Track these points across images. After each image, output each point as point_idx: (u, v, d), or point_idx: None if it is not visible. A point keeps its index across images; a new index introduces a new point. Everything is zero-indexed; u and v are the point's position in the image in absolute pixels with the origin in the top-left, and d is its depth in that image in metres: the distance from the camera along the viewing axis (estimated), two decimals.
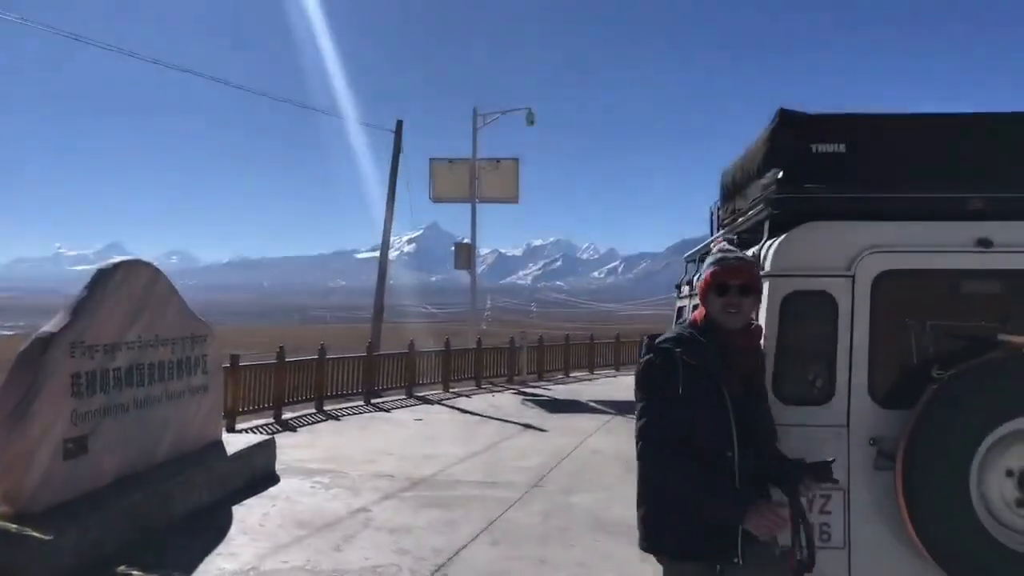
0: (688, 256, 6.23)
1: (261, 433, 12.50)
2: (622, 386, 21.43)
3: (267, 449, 9.64)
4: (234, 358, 13.15)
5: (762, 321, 3.32)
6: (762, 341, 3.03)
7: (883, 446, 3.30)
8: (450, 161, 24.79)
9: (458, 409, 16.38)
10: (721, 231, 4.60)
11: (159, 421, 7.96)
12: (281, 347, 14.99)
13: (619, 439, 12.31)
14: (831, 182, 3.33)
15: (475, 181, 24.03)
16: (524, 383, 21.75)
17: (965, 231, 3.29)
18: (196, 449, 8.67)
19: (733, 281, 2.81)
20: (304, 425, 13.77)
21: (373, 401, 16.81)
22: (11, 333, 56.32)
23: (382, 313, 23.61)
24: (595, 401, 17.77)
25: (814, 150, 3.34)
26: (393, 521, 7.52)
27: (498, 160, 24.68)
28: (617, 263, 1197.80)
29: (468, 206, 24.81)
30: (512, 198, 24.96)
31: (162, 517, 7.11)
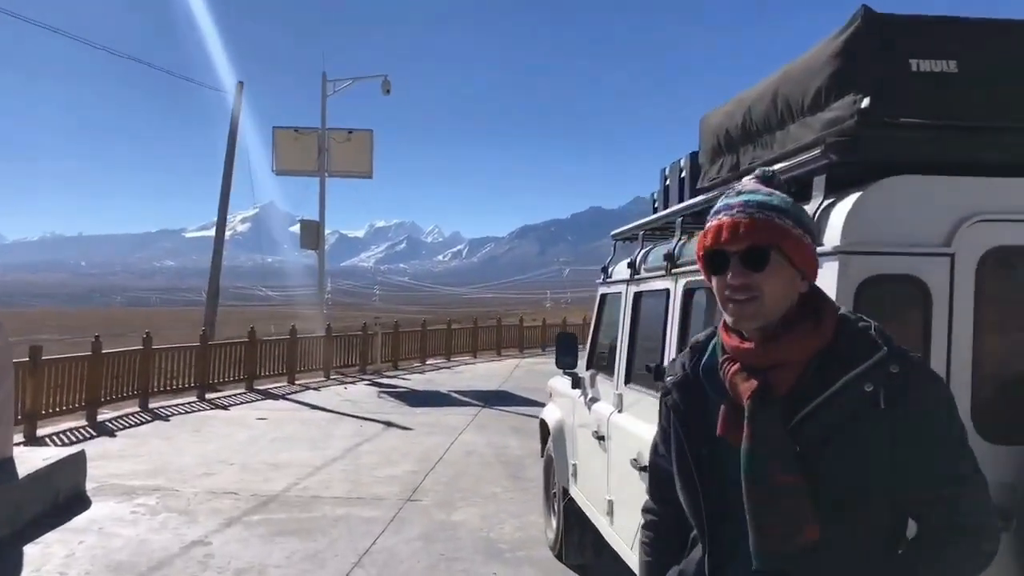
0: (617, 234, 5.15)
1: (69, 441, 10.53)
2: (483, 374, 20.56)
3: (75, 464, 7.79)
4: (35, 350, 10.95)
5: None
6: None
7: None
8: (296, 130, 22.69)
9: (307, 404, 14.74)
10: (699, 198, 3.48)
11: None
12: (97, 336, 12.80)
13: (493, 436, 11.26)
14: (934, 115, 2.28)
15: (324, 153, 22.14)
16: (378, 373, 20.28)
17: None
18: None
19: (733, 245, 1.55)
20: (125, 428, 11.77)
21: (208, 397, 14.88)
22: None
23: (217, 296, 21.36)
24: (458, 392, 16.64)
25: (915, 68, 2.27)
26: (241, 558, 6.03)
27: (350, 131, 22.85)
28: (462, 246, 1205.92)
29: (309, 184, 22.92)
30: (365, 172, 23.20)
31: None
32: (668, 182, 4.21)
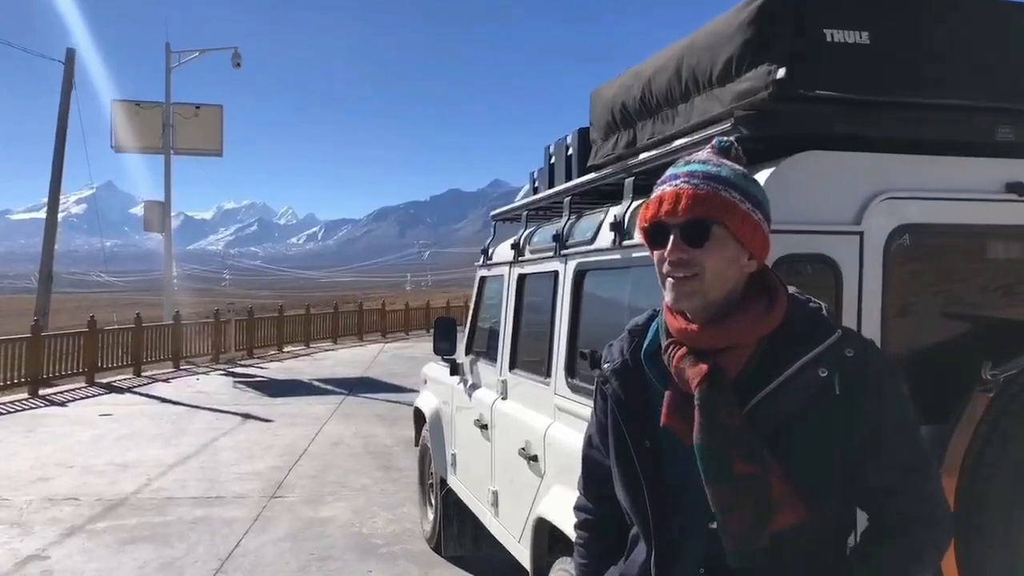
0: (498, 214, 4.97)
1: None
2: (345, 360, 20.08)
3: None
4: None
5: None
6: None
7: None
8: (138, 104, 21.14)
9: (156, 398, 13.80)
10: (590, 175, 3.34)
11: None
12: None
13: (360, 426, 10.88)
14: (847, 88, 2.21)
15: (169, 129, 20.74)
16: (232, 362, 19.32)
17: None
18: None
19: (673, 217, 1.42)
20: None
21: (42, 393, 13.65)
22: None
23: (50, 283, 19.67)
24: (320, 380, 16.08)
25: (829, 38, 2.18)
26: (85, 572, 5.45)
27: (197, 106, 21.51)
28: (317, 229, 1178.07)
29: (151, 162, 21.49)
30: (214, 150, 21.94)
31: None
32: (553, 160, 4.04)
